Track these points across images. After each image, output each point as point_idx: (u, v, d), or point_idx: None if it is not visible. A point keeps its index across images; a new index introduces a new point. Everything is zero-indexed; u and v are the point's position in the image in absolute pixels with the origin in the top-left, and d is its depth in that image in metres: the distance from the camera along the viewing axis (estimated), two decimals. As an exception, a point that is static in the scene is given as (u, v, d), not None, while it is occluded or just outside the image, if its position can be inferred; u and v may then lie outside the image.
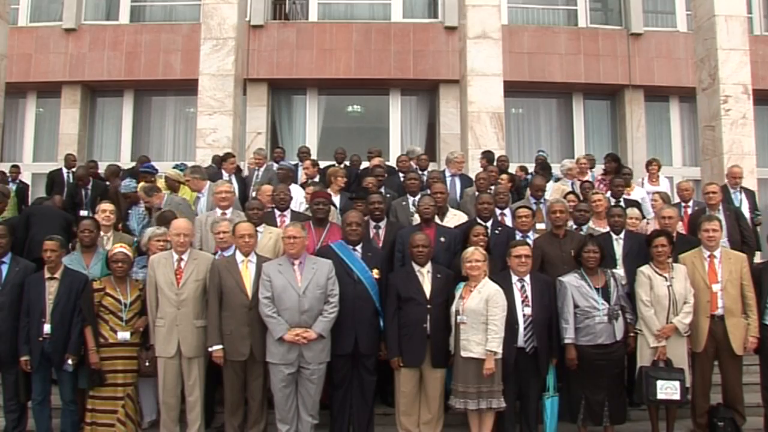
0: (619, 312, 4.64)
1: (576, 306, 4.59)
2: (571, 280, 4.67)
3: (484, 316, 4.37)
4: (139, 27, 12.59)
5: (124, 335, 4.62)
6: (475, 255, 4.52)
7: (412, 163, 7.85)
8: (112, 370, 4.58)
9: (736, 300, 4.78)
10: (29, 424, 4.80)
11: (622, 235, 5.35)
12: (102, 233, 5.56)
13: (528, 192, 6.84)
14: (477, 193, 6.53)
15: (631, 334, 4.73)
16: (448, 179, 7.36)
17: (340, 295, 4.52)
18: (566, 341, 4.58)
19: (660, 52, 12.37)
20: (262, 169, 8.09)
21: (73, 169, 8.54)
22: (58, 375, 4.67)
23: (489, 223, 5.47)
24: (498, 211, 5.92)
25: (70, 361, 4.54)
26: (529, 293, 4.63)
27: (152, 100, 12.94)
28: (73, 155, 9.21)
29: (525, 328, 4.56)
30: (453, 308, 4.51)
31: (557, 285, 4.69)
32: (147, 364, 4.65)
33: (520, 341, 4.55)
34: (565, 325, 4.60)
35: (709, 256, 4.90)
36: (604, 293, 4.62)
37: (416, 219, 5.67)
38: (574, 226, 5.70)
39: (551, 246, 5.23)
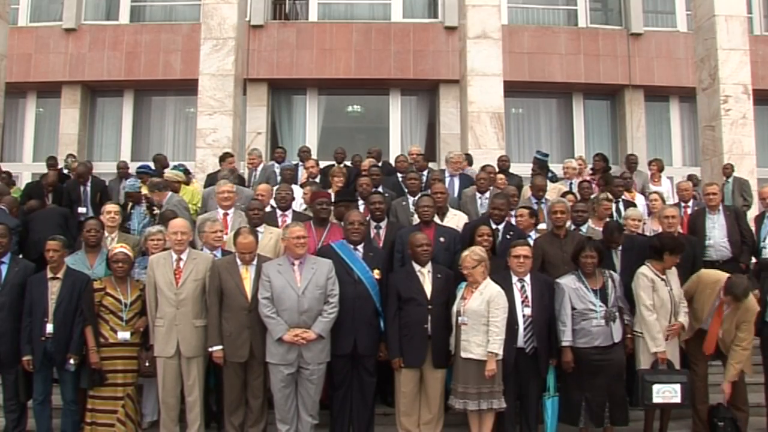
0: (617, 314, 4.60)
1: (573, 308, 4.56)
2: (568, 281, 4.64)
3: (485, 318, 4.35)
4: (139, 27, 12.60)
5: (124, 335, 4.61)
6: (465, 261, 4.48)
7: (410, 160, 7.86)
8: (112, 370, 4.57)
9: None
10: (29, 424, 4.79)
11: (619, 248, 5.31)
12: (106, 233, 5.59)
13: (529, 192, 6.85)
14: (478, 194, 6.53)
15: (629, 335, 4.71)
16: (447, 179, 7.36)
17: (340, 295, 4.50)
18: (563, 344, 4.55)
19: (660, 52, 12.40)
20: (259, 169, 8.09)
21: (73, 169, 8.54)
22: (60, 375, 4.66)
23: (501, 227, 5.44)
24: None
25: (72, 361, 4.54)
26: (529, 293, 4.61)
27: (152, 100, 12.96)
28: (72, 155, 9.22)
29: (525, 329, 4.54)
30: (454, 309, 4.50)
31: (555, 286, 4.67)
32: (147, 364, 4.64)
33: (520, 341, 4.53)
34: (562, 327, 4.56)
35: (721, 299, 4.65)
36: (602, 295, 4.58)
37: (416, 219, 5.67)
38: (573, 227, 5.69)
39: (552, 246, 5.22)
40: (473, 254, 4.50)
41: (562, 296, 4.60)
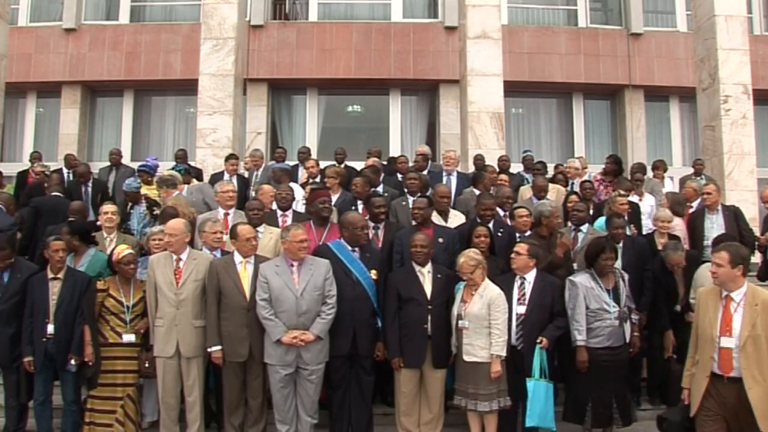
0: (628, 314, 4.59)
1: (586, 307, 4.51)
2: (583, 280, 4.57)
3: (487, 321, 4.34)
4: (139, 27, 12.60)
5: (129, 338, 4.60)
6: (463, 267, 4.46)
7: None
8: (111, 370, 4.56)
9: (759, 362, 3.43)
10: (30, 424, 4.78)
11: (620, 245, 5.31)
12: (105, 234, 5.62)
13: (529, 192, 6.84)
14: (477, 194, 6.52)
15: (636, 334, 4.71)
16: (444, 178, 7.37)
17: (338, 295, 4.49)
18: (578, 343, 4.49)
19: (660, 52, 12.39)
20: (260, 170, 8.07)
21: (74, 169, 8.54)
22: (61, 375, 4.66)
23: (491, 225, 5.44)
24: (502, 213, 5.91)
25: (72, 362, 4.54)
26: (527, 292, 4.61)
27: (152, 100, 12.96)
28: (73, 155, 9.23)
29: (516, 327, 4.53)
30: (455, 311, 4.49)
31: (568, 285, 4.60)
32: (147, 365, 4.63)
33: (513, 339, 4.52)
34: (577, 326, 4.49)
35: (726, 297, 3.57)
36: (615, 295, 4.56)
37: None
38: (573, 227, 5.68)
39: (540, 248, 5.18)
40: (470, 259, 4.48)
41: (576, 295, 4.53)
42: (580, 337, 4.49)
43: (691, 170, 8.81)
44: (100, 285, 4.64)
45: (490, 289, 4.45)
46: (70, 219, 5.62)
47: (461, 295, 4.53)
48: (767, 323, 3.44)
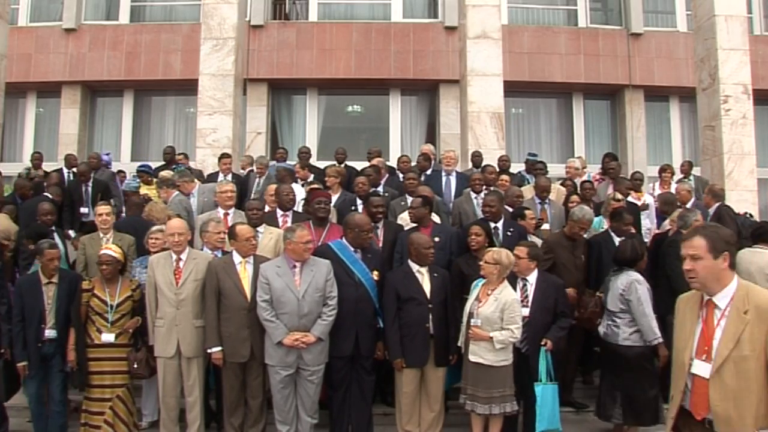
0: None
1: None
2: (641, 279, 4.60)
3: (498, 324, 4.29)
4: (139, 27, 12.60)
5: (108, 337, 4.53)
6: (486, 255, 4.45)
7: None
8: (99, 371, 4.52)
9: (743, 396, 2.30)
10: (16, 424, 4.75)
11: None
12: (101, 234, 5.60)
13: (531, 192, 6.84)
14: (473, 194, 6.52)
15: None
16: (444, 178, 7.36)
17: (341, 296, 4.48)
18: (660, 340, 4.48)
19: (660, 52, 12.39)
20: (263, 178, 7.88)
21: (74, 169, 8.54)
22: (51, 375, 4.61)
23: (501, 224, 5.43)
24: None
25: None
26: (530, 294, 4.60)
27: (152, 100, 12.95)
28: (73, 155, 9.23)
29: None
30: (467, 309, 4.45)
31: (633, 285, 4.54)
32: (135, 366, 4.56)
33: (517, 342, 4.47)
34: (654, 323, 4.49)
35: (707, 304, 2.49)
36: None
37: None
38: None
39: (563, 249, 5.16)
40: (495, 253, 4.44)
41: (645, 293, 4.53)
42: (660, 333, 4.50)
43: (694, 170, 8.84)
44: (85, 285, 4.62)
45: (506, 293, 4.38)
46: (29, 223, 5.60)
47: (477, 293, 4.47)
48: (760, 339, 2.31)
